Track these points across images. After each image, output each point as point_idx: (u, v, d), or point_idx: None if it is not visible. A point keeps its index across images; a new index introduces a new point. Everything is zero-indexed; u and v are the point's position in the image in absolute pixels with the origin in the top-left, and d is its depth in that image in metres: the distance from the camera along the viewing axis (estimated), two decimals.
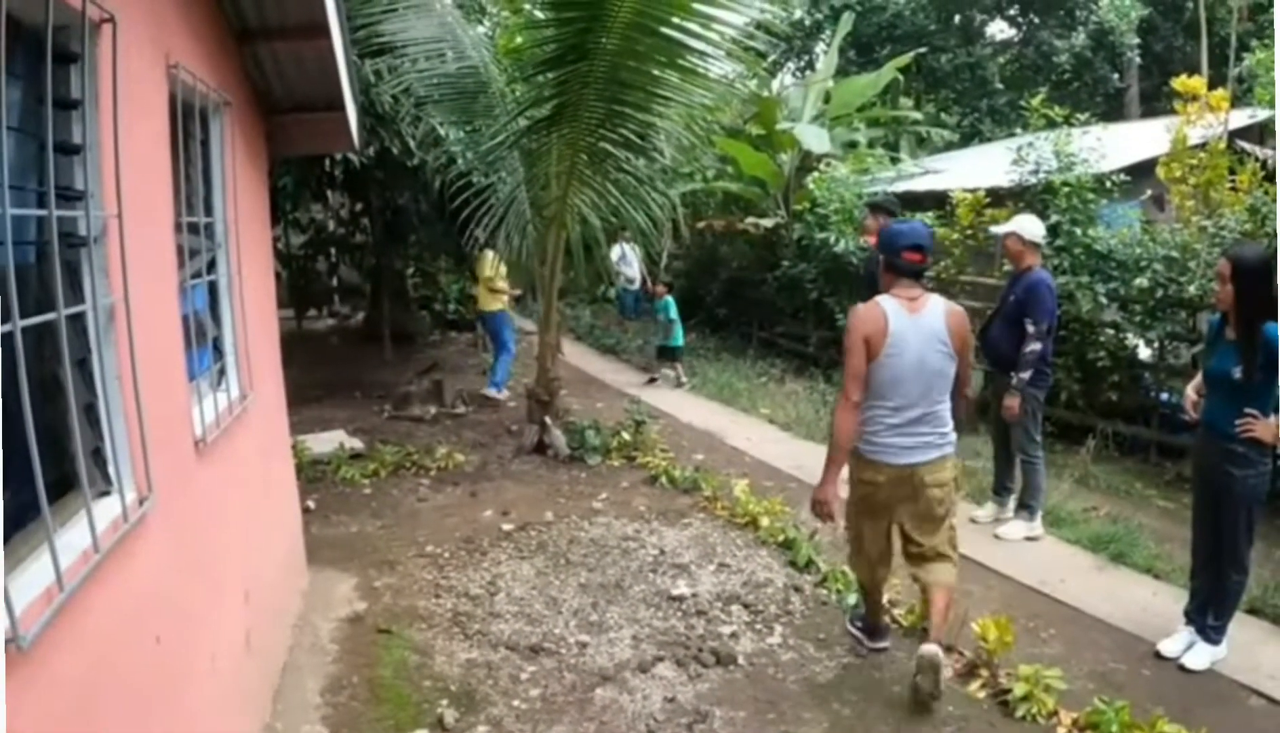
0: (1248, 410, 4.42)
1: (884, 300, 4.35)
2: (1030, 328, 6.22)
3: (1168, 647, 4.83)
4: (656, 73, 7.32)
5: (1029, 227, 6.48)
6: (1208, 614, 4.77)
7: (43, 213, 2.16)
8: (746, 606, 5.41)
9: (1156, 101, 24.50)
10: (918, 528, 4.53)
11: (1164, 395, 8.66)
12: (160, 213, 3.10)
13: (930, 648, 4.21)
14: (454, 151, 9.90)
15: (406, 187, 11.40)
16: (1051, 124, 10.39)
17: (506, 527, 6.70)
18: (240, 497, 4.13)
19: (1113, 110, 21.88)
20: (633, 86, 7.46)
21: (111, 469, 2.54)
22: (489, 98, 8.61)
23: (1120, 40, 22.10)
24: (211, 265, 4.09)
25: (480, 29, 11.11)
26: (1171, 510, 7.28)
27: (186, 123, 3.56)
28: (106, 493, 2.55)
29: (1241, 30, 24.23)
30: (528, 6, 10.23)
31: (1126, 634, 5.07)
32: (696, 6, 6.72)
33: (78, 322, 2.45)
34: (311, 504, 7.05)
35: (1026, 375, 6.26)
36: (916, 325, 4.30)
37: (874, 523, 4.61)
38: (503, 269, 10.57)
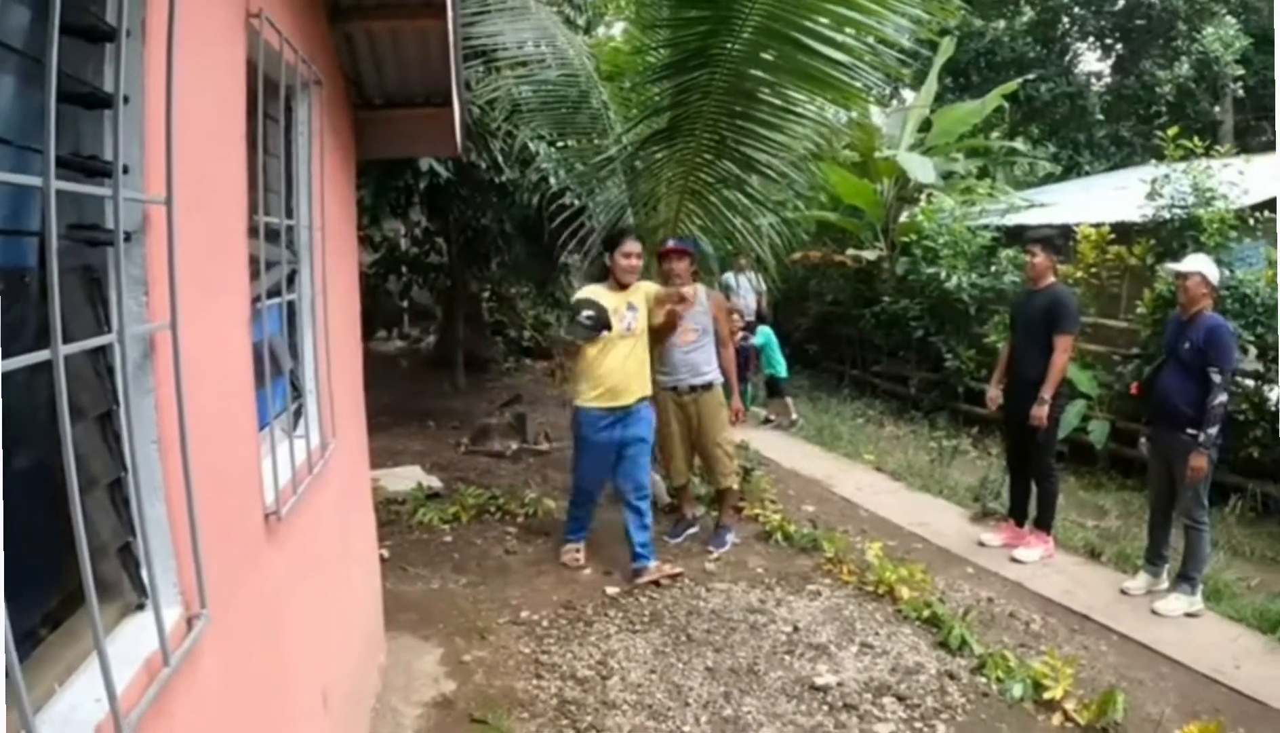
0: None
1: None
2: (1217, 378, 5.66)
3: None
4: (783, 84, 6.76)
5: (1211, 268, 5.96)
6: None
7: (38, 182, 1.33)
8: (900, 698, 4.64)
9: (1250, 136, 23.51)
10: None
11: None
12: (230, 207, 2.30)
13: None
14: (546, 168, 9.20)
15: (490, 205, 10.77)
16: (1188, 155, 9.49)
17: (611, 590, 5.90)
18: (317, 576, 3.30)
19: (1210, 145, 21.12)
20: (756, 99, 6.88)
21: (146, 574, 1.71)
22: (592, 110, 7.96)
23: (1223, 71, 21.21)
24: (291, 281, 3.28)
25: (582, 37, 10.49)
26: None
27: (267, 101, 2.76)
28: (140, 607, 1.74)
29: None
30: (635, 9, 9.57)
31: None
32: (833, 8, 6.04)
33: (99, 359, 1.65)
34: (386, 553, 6.28)
35: (1214, 431, 5.66)
36: None
37: None
38: None
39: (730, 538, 6.84)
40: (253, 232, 2.58)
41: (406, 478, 7.96)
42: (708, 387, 6.84)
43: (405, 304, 16.11)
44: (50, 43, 1.31)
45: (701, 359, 6.80)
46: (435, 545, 6.73)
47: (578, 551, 6.42)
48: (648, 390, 6.25)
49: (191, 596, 1.84)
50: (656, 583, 5.97)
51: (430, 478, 8.09)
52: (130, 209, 1.66)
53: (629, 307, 6.09)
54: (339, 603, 3.76)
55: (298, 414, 3.39)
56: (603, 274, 6.44)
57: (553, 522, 7.28)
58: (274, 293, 2.98)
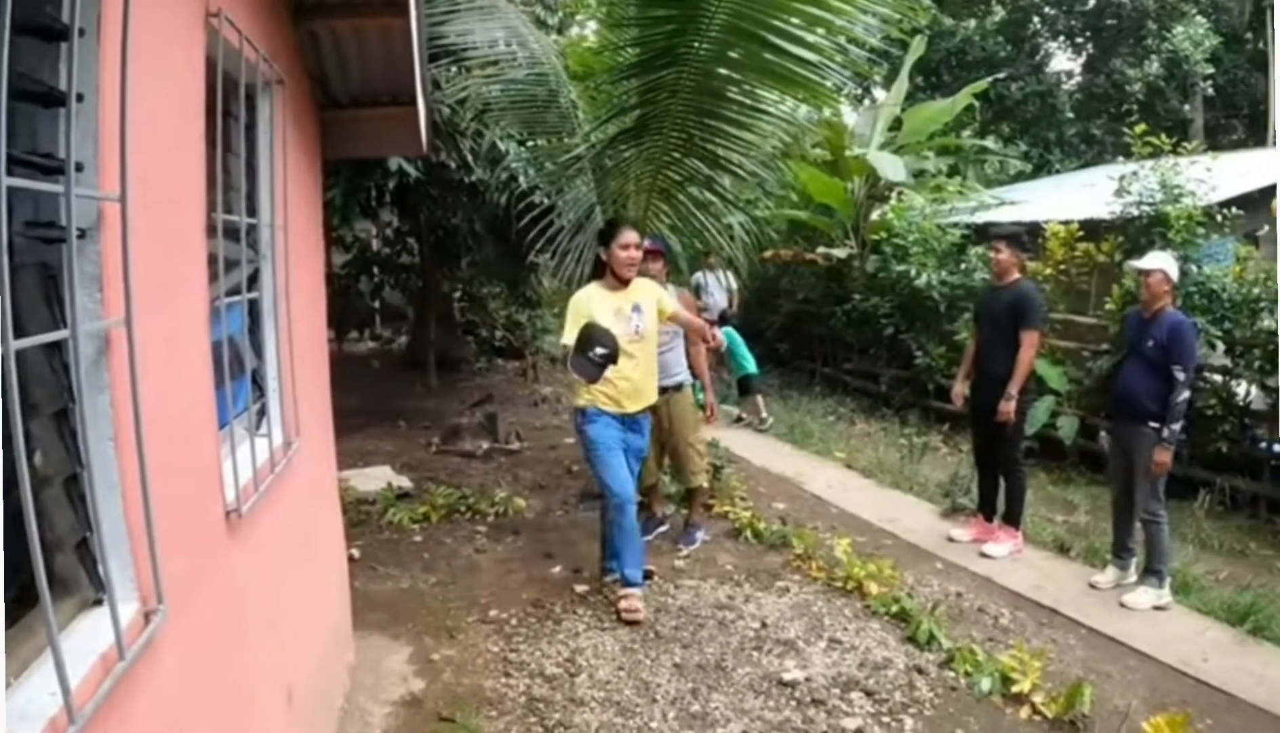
0: None
1: None
2: (1180, 375, 5.73)
3: None
4: (751, 83, 6.73)
5: (1173, 265, 6.09)
6: None
7: None
8: (868, 693, 4.64)
9: (1220, 134, 23.78)
10: None
11: (1277, 447, 8.11)
12: (187, 205, 2.30)
13: None
14: (515, 168, 9.18)
15: (460, 204, 10.74)
16: (1156, 153, 9.58)
17: (580, 588, 5.89)
18: (281, 574, 3.30)
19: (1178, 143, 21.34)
20: (724, 97, 6.84)
21: (103, 570, 1.72)
22: (561, 109, 7.92)
23: (1192, 70, 21.44)
24: (253, 280, 3.28)
25: (554, 37, 10.48)
26: None
27: (228, 100, 2.75)
28: (98, 603, 1.74)
29: None
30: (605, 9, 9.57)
31: None
32: (802, 7, 6.03)
33: (54, 356, 1.65)
34: (356, 553, 6.27)
35: (1178, 427, 5.76)
36: None
37: None
38: None
39: (700, 536, 6.81)
40: (214, 230, 2.59)
41: (377, 478, 7.91)
42: (678, 387, 6.69)
43: (377, 305, 16.04)
44: (1, 42, 1.32)
45: (672, 360, 6.62)
46: (405, 545, 6.69)
47: (639, 599, 5.55)
48: (655, 397, 5.85)
49: (149, 591, 1.85)
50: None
51: (400, 478, 8.05)
52: (84, 206, 1.67)
53: (634, 308, 5.57)
54: (305, 601, 3.76)
55: (262, 413, 3.39)
56: (596, 271, 5.91)
57: (522, 520, 7.28)
58: (236, 291, 2.98)
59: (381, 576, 6.07)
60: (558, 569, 6.25)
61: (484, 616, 5.48)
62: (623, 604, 5.46)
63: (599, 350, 5.09)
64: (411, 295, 14.68)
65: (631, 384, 5.55)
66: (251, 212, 3.20)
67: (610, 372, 5.20)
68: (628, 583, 5.55)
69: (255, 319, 3.37)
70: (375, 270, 13.61)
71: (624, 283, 5.61)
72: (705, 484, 7.00)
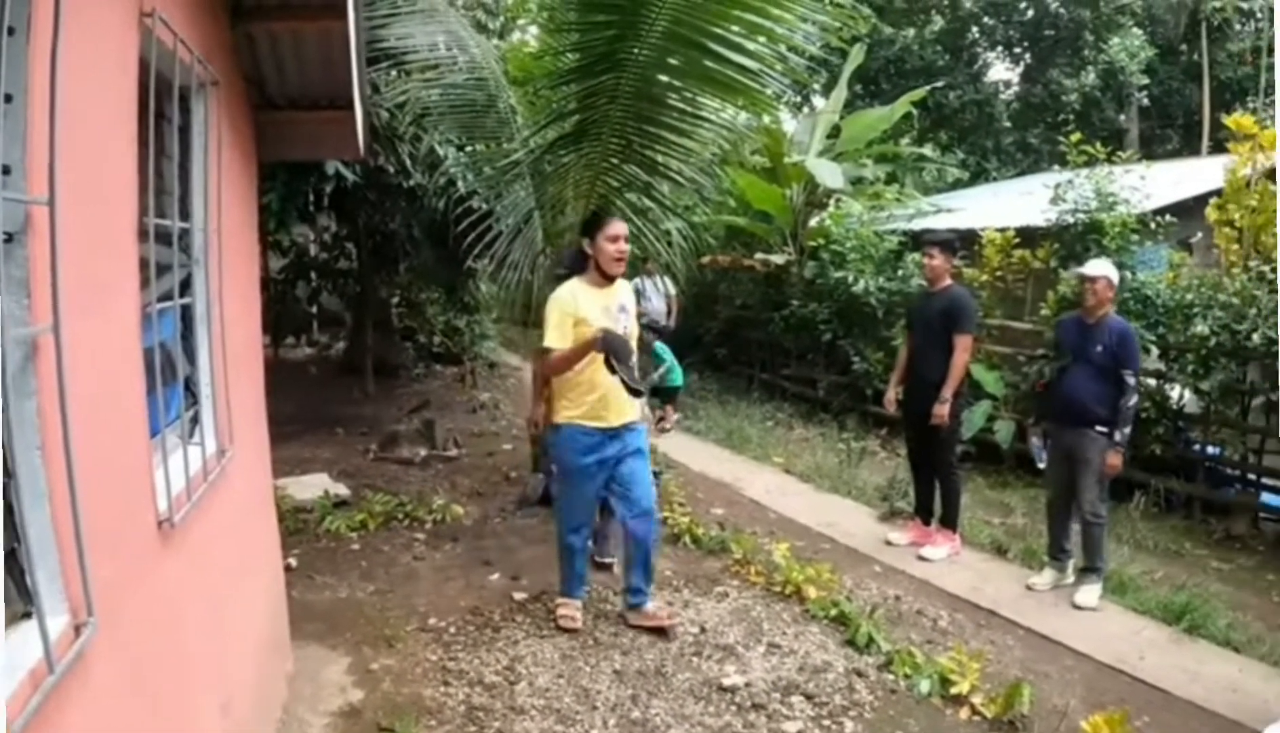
0: None
1: None
2: (1131, 380, 5.92)
3: None
4: (691, 89, 6.76)
5: (1114, 271, 6.28)
6: None
7: None
8: (808, 697, 4.67)
9: (1155, 144, 24.39)
10: None
11: (1210, 449, 8.42)
12: (118, 209, 2.25)
13: None
14: (454, 172, 9.11)
15: (399, 209, 10.64)
16: (1091, 161, 9.78)
17: (519, 595, 5.85)
18: (216, 584, 3.24)
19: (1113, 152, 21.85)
20: (664, 104, 6.84)
21: (30, 582, 1.68)
22: (500, 114, 7.87)
23: (1128, 80, 21.93)
24: (186, 286, 3.22)
25: (495, 42, 10.43)
26: (1228, 573, 7.00)
27: (162, 101, 2.70)
28: (28, 615, 1.70)
29: (1241, 75, 24.25)
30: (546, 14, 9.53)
31: (1225, 720, 4.60)
32: (741, 15, 6.07)
33: None
34: (293, 562, 6.19)
35: (1129, 430, 6.02)
36: None
37: None
38: None
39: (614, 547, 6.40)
40: (146, 234, 2.54)
41: (314, 486, 7.80)
42: None
43: (314, 310, 15.95)
44: None
45: None
46: (343, 554, 6.60)
47: (576, 609, 5.43)
48: (638, 412, 5.33)
49: (79, 604, 1.81)
50: (657, 630, 5.31)
51: (338, 486, 7.95)
52: (12, 210, 1.63)
53: (620, 308, 5.15)
54: (241, 611, 3.69)
55: (195, 421, 3.33)
56: (576, 267, 5.27)
57: (460, 528, 7.22)
58: (169, 297, 2.93)
59: (319, 585, 5.99)
60: (496, 577, 6.20)
61: (423, 624, 5.42)
62: (559, 611, 5.40)
63: (629, 364, 4.76)
64: (349, 301, 14.50)
65: (612, 393, 5.01)
66: (185, 215, 3.14)
67: (591, 375, 4.94)
68: (561, 593, 5.48)
69: (188, 325, 3.31)
70: (313, 275, 13.48)
71: (609, 279, 5.15)
72: None
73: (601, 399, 5.05)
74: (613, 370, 4.72)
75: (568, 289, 5.10)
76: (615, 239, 5.04)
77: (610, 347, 4.71)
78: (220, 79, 3.35)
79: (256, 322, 4.59)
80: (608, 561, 6.26)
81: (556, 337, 4.93)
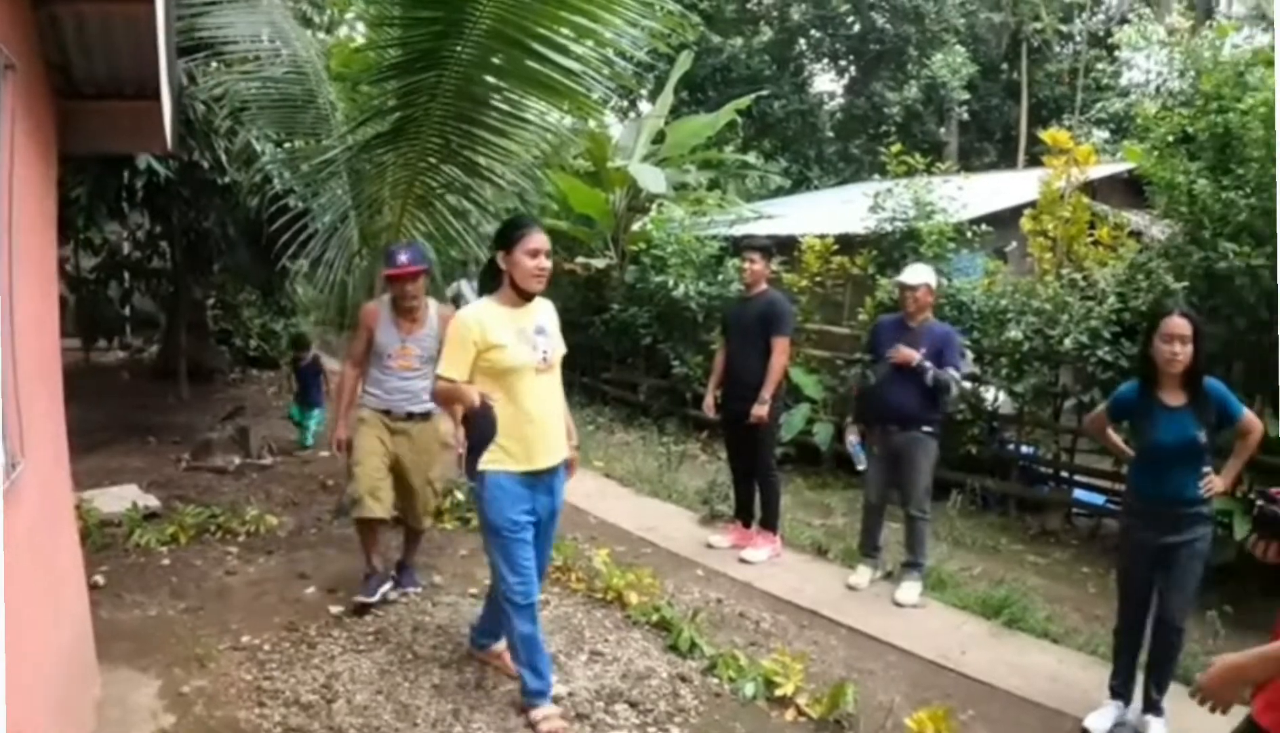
0: (1205, 469, 4.40)
1: None
2: (955, 373, 6.20)
3: (1095, 723, 4.62)
4: (514, 91, 6.72)
5: (934, 277, 6.50)
6: (1151, 688, 4.56)
7: None
8: (632, 704, 4.64)
9: (973, 157, 25.60)
10: None
11: (1024, 449, 8.80)
12: None
13: None
14: (270, 169, 8.82)
15: (214, 207, 10.28)
16: (911, 172, 10.15)
17: (335, 609, 5.64)
18: (11, 607, 2.98)
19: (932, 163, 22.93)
20: (486, 104, 6.77)
21: None
22: (318, 110, 7.62)
23: (949, 96, 22.88)
24: None
25: (322, 36, 10.13)
26: (1044, 567, 7.29)
27: None
28: None
29: (1058, 93, 25.70)
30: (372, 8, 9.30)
31: (1047, 710, 4.80)
32: (568, 17, 6.05)
33: None
34: (100, 579, 5.83)
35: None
36: None
37: None
38: None
39: (418, 579, 6.07)
40: None
41: (122, 498, 7.38)
42: (425, 416, 5.73)
43: (127, 311, 15.19)
44: None
45: (421, 387, 5.60)
46: (153, 569, 6.26)
47: (558, 713, 4.48)
48: (565, 447, 4.52)
49: None
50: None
51: (148, 497, 7.54)
52: None
53: (537, 330, 4.34)
54: (40, 635, 3.44)
55: None
56: (488, 282, 4.44)
57: (275, 539, 6.96)
58: None
59: (128, 603, 5.65)
60: (312, 590, 5.98)
61: (236, 642, 5.16)
62: (543, 726, 4.36)
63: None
64: (163, 302, 13.94)
65: (541, 426, 4.28)
66: None
67: (521, 400, 4.24)
68: (529, 695, 4.45)
69: None
70: (125, 275, 12.98)
71: (526, 298, 4.33)
72: (428, 527, 6.23)
73: (529, 441, 4.26)
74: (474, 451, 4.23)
75: (472, 312, 4.32)
76: (536, 254, 4.22)
77: (476, 425, 4.22)
78: (17, 62, 3.12)
79: (54, 325, 4.29)
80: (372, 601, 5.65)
81: (449, 367, 4.20)
